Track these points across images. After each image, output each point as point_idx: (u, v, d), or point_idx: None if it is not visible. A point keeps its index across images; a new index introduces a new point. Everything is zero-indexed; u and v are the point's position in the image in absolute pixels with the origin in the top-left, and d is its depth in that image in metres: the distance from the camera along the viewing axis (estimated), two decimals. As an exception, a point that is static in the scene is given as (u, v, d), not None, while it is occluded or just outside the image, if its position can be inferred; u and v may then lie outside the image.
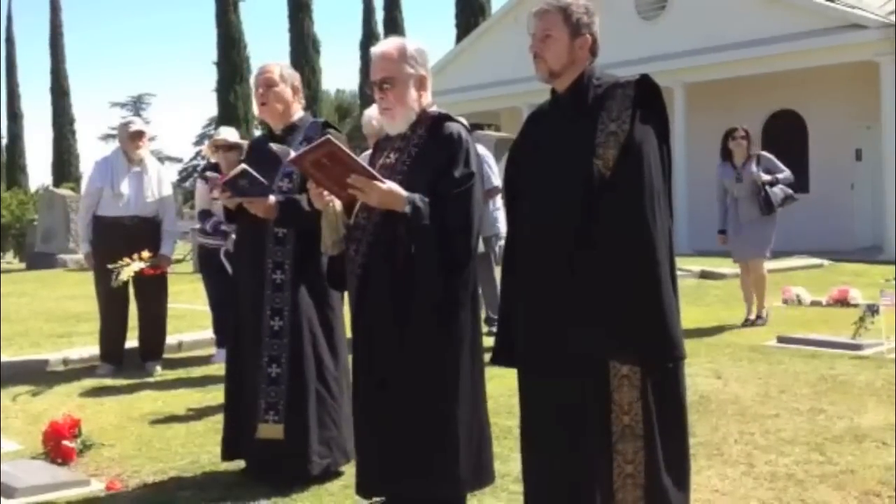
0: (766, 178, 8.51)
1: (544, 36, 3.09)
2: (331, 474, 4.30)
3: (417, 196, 3.42)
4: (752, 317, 8.61)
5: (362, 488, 3.71)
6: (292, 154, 3.75)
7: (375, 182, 3.40)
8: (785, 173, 8.65)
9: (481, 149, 6.67)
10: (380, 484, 3.64)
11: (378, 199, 3.42)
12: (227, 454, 4.50)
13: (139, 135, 7.33)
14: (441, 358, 3.50)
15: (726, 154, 8.75)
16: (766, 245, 8.65)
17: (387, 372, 3.54)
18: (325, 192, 3.56)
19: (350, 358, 3.91)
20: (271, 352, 4.28)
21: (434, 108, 3.70)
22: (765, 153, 8.82)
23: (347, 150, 3.46)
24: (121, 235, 7.08)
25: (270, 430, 4.25)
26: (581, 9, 3.09)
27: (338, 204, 3.60)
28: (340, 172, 3.42)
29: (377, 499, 3.83)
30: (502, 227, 7.83)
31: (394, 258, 3.47)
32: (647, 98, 3.01)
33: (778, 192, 8.53)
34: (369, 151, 5.97)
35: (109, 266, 6.77)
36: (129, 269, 6.75)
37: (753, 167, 8.59)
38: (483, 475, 3.68)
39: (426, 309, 3.46)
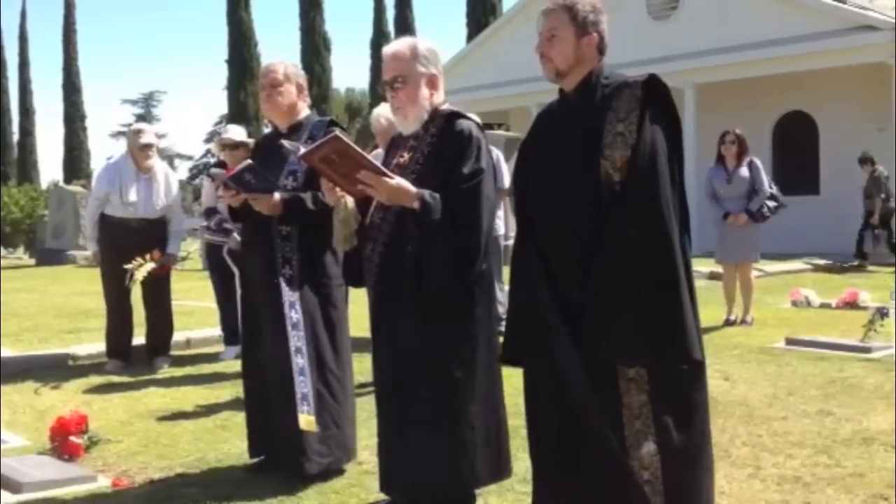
0: (767, 212, 8.63)
1: (550, 35, 3.07)
2: (333, 473, 4.30)
3: (427, 192, 3.45)
4: (733, 318, 8.63)
5: (384, 485, 3.73)
6: (302, 150, 3.76)
7: (384, 178, 3.42)
8: (762, 189, 8.69)
9: (493, 150, 6.68)
10: (399, 480, 3.65)
11: (387, 195, 3.45)
12: (255, 450, 4.51)
13: (148, 146, 7.31)
14: (457, 354, 3.53)
15: (720, 156, 8.87)
16: (754, 249, 8.79)
17: (405, 369, 3.57)
18: (337, 188, 3.58)
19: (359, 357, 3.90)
20: (296, 343, 4.25)
21: (446, 107, 3.71)
22: (756, 160, 8.88)
23: (356, 147, 3.47)
24: (128, 235, 7.12)
25: (308, 421, 4.18)
26: (588, 7, 3.06)
27: (350, 200, 3.63)
28: (350, 168, 3.44)
29: (383, 498, 3.84)
30: (500, 229, 7.90)
31: (407, 255, 3.49)
32: (655, 98, 2.99)
33: (771, 203, 8.64)
34: (379, 150, 6.02)
35: (125, 266, 6.85)
36: (143, 269, 6.84)
37: (744, 171, 8.69)
38: (500, 469, 3.72)
39: (441, 305, 3.49)
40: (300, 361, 4.23)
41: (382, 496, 3.87)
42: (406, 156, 3.67)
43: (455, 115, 3.67)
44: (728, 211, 8.68)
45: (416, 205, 3.43)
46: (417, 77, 3.63)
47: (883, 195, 15.06)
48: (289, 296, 4.29)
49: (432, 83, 3.67)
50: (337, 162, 3.45)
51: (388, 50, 3.73)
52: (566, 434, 3.02)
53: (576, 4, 3.06)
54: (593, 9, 3.07)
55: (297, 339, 4.25)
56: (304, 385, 4.21)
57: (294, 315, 4.27)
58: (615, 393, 2.92)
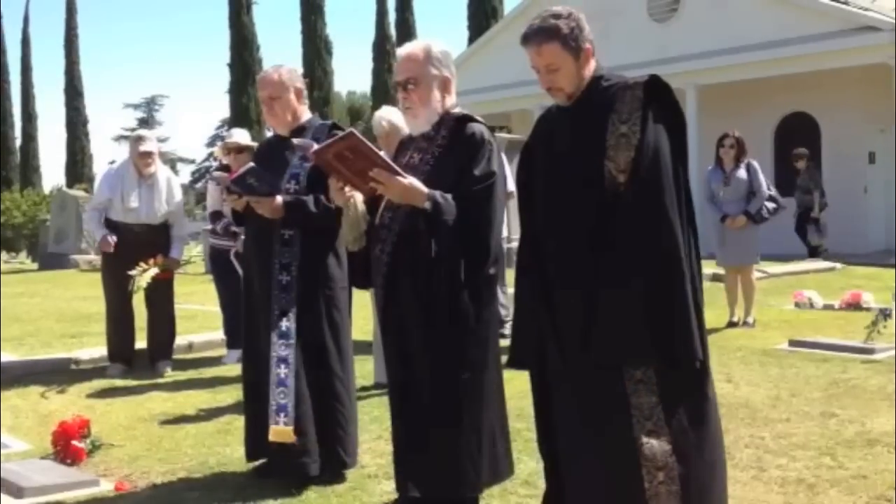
0: (766, 214, 8.65)
1: (550, 70, 3.07)
2: (336, 476, 4.29)
3: (438, 193, 3.45)
4: (736, 319, 8.63)
5: (400, 487, 3.72)
6: (315, 146, 3.77)
7: (397, 177, 3.42)
8: (760, 191, 8.68)
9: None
10: (412, 482, 3.63)
11: (399, 193, 3.45)
12: (252, 454, 4.50)
13: (148, 154, 7.30)
14: (465, 356, 3.54)
15: (718, 159, 8.88)
16: (754, 252, 8.79)
17: (413, 370, 3.57)
18: (347, 189, 3.58)
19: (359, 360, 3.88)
20: (279, 353, 4.25)
21: (457, 110, 3.73)
22: (754, 162, 8.87)
23: (370, 144, 3.48)
24: (130, 240, 7.13)
25: (281, 432, 4.19)
26: (570, 23, 3.04)
27: (359, 200, 3.63)
28: (362, 166, 3.45)
29: (387, 500, 3.84)
30: (503, 232, 7.90)
31: (416, 255, 3.49)
32: (657, 98, 2.99)
33: (770, 205, 8.63)
34: (381, 152, 6.02)
35: (129, 272, 6.85)
36: (147, 274, 6.84)
37: (742, 173, 8.69)
38: (501, 470, 3.73)
39: (449, 306, 3.49)
40: (282, 372, 4.22)
41: (383, 499, 3.87)
42: (416, 156, 3.68)
43: (466, 118, 3.68)
44: (726, 213, 8.67)
45: (426, 205, 3.43)
46: (430, 79, 3.64)
47: (818, 190, 15.19)
48: (281, 304, 4.28)
49: (444, 86, 3.68)
50: (350, 159, 3.46)
51: (401, 51, 3.75)
52: (576, 434, 3.01)
53: (560, 29, 3.03)
54: (575, 21, 3.05)
55: (283, 349, 4.23)
56: (282, 396, 4.20)
57: (284, 324, 4.26)
58: (623, 394, 2.91)
